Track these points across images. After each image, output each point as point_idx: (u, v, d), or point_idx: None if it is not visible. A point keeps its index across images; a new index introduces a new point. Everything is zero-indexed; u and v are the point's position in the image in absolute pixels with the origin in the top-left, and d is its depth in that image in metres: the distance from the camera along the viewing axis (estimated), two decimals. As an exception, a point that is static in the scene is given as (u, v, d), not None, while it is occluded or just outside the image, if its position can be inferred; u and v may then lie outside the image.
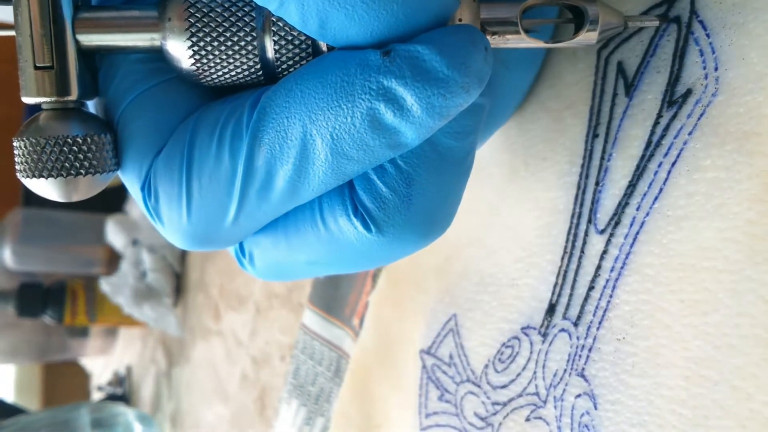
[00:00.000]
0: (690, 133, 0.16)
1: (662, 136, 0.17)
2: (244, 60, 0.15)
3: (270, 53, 0.15)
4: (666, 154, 0.17)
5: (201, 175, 0.15)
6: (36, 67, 0.15)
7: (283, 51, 0.15)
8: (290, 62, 0.15)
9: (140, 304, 0.63)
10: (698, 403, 0.15)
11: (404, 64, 0.13)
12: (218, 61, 0.15)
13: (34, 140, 0.15)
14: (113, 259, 0.72)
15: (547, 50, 0.20)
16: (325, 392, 0.32)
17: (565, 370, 0.19)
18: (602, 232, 0.18)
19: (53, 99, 0.15)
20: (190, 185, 0.15)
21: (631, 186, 0.18)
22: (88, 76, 0.16)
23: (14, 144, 0.15)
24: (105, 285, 0.66)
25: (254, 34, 0.15)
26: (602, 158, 0.19)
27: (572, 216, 0.20)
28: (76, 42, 0.15)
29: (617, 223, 0.18)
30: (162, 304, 0.63)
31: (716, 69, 0.16)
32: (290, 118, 0.14)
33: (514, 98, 0.19)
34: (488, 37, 0.16)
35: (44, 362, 1.05)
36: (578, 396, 0.18)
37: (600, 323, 0.18)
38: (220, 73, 0.16)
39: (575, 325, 0.19)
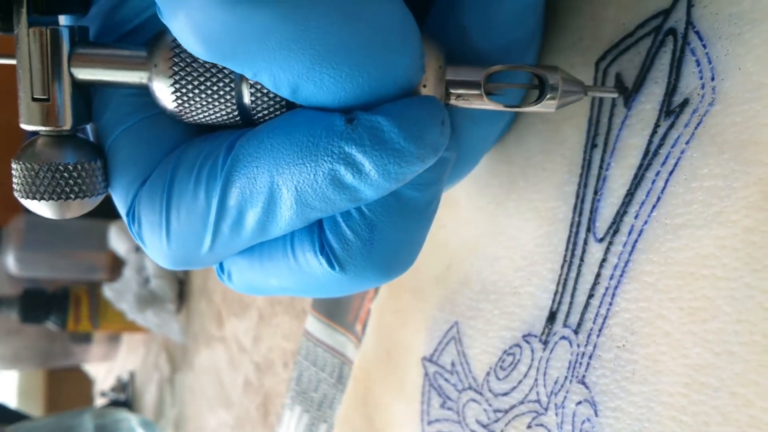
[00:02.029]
0: (687, 143, 0.17)
1: (660, 146, 0.17)
2: (223, 105, 0.16)
3: (247, 100, 0.16)
4: (664, 163, 0.17)
5: (179, 209, 0.16)
6: (33, 99, 0.16)
7: (259, 102, 0.16)
8: (265, 111, 0.16)
9: (143, 310, 0.63)
10: (698, 409, 0.15)
11: (365, 133, 0.15)
12: (199, 104, 0.16)
13: (29, 165, 0.16)
14: (116, 266, 0.72)
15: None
16: (328, 398, 0.33)
17: (566, 378, 0.19)
18: (601, 240, 0.19)
19: (49, 129, 0.16)
20: (170, 217, 0.16)
21: (630, 195, 0.18)
22: (82, 105, 0.17)
23: (12, 165, 0.17)
24: (108, 291, 0.66)
25: (232, 86, 0.16)
26: (601, 168, 0.19)
27: (571, 225, 0.20)
28: (71, 76, 0.16)
29: (616, 232, 0.18)
30: (165, 310, 0.63)
31: (713, 79, 0.16)
32: (259, 167, 0.15)
33: (482, 149, 0.20)
34: (452, 99, 0.16)
35: (47, 368, 1.05)
36: (579, 403, 0.19)
37: (600, 331, 0.18)
38: (200, 114, 0.17)
39: (576, 332, 0.19)
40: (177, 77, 0.16)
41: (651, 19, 0.18)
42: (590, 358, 0.18)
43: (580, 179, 0.20)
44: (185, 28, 0.14)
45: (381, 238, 0.16)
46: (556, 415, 0.19)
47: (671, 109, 0.17)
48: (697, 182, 0.16)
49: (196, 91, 0.16)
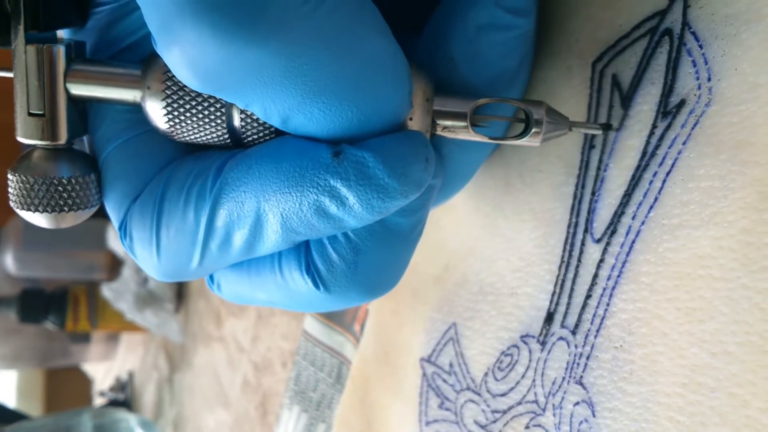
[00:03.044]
0: (684, 143, 0.17)
1: (657, 146, 0.17)
2: (214, 128, 0.17)
3: (237, 124, 0.16)
4: (661, 164, 0.17)
5: (169, 227, 0.17)
6: (29, 114, 0.16)
7: (249, 127, 0.17)
8: (255, 135, 0.17)
9: (142, 310, 0.63)
10: (695, 410, 0.15)
11: (350, 167, 0.15)
12: (190, 126, 0.17)
13: (25, 177, 0.17)
14: (115, 265, 0.72)
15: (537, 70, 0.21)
16: (326, 398, 0.33)
17: (564, 378, 0.19)
18: (599, 241, 0.19)
19: (45, 143, 0.17)
20: (160, 234, 0.17)
21: (627, 195, 0.18)
22: (77, 119, 0.17)
23: (8, 177, 0.17)
24: (107, 291, 0.66)
25: (223, 110, 0.16)
26: (599, 169, 0.19)
27: (569, 226, 0.20)
28: (67, 91, 0.17)
29: (613, 232, 0.18)
30: (164, 309, 0.63)
31: (709, 79, 0.16)
32: (247, 192, 0.16)
33: (468, 173, 0.20)
34: (439, 130, 0.17)
35: (46, 368, 1.05)
36: (577, 403, 0.19)
37: (597, 331, 0.18)
38: (191, 135, 0.17)
39: (573, 333, 0.19)
40: (169, 100, 0.16)
41: (647, 20, 0.18)
42: (588, 358, 0.18)
43: (578, 180, 0.20)
44: (179, 61, 0.14)
45: (365, 261, 0.17)
46: (554, 415, 0.19)
47: (668, 110, 0.17)
48: (694, 183, 0.16)
49: (188, 114, 0.16)
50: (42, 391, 1.16)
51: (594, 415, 0.18)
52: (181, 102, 0.16)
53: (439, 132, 0.17)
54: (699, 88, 0.16)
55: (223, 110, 0.16)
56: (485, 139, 0.17)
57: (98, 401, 0.88)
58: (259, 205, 0.15)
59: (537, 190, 0.21)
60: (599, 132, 0.18)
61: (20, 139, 0.17)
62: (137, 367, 0.79)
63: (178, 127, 0.17)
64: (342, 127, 0.15)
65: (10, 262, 0.73)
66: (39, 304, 0.72)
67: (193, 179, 0.16)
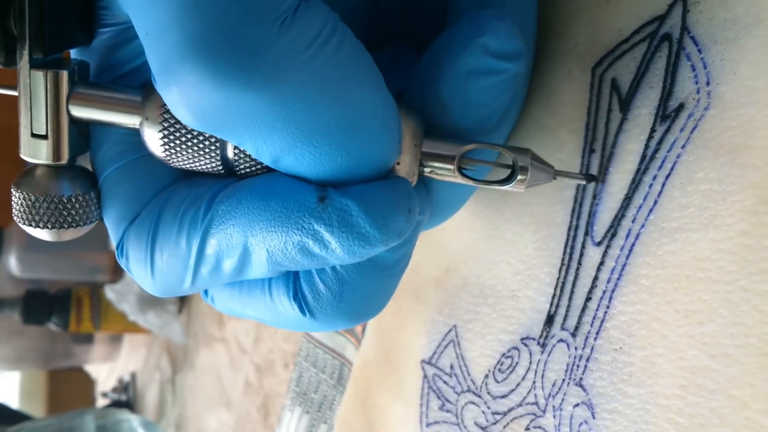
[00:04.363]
0: (683, 147, 0.17)
1: (656, 150, 0.17)
2: (208, 159, 0.17)
3: (231, 156, 0.17)
4: (660, 168, 0.17)
5: (163, 251, 0.17)
6: (32, 135, 0.17)
7: (242, 161, 0.17)
8: (248, 168, 0.17)
9: (145, 311, 0.63)
10: (695, 411, 0.15)
11: (334, 214, 0.16)
12: (185, 155, 0.17)
13: (27, 195, 0.17)
14: (118, 267, 0.73)
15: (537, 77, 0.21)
16: (327, 400, 0.33)
17: (564, 380, 0.19)
18: (599, 244, 0.19)
19: (47, 162, 0.17)
20: (154, 257, 0.18)
21: (627, 199, 0.18)
22: (79, 139, 0.18)
23: (12, 192, 0.18)
24: (110, 292, 0.66)
25: (218, 144, 0.17)
26: (599, 173, 0.19)
27: (569, 229, 0.20)
28: (69, 113, 0.17)
29: (614, 236, 0.18)
30: (166, 311, 0.63)
31: (708, 84, 0.16)
32: (235, 226, 0.16)
33: (456, 205, 0.20)
34: (426, 172, 0.17)
35: (49, 369, 1.06)
36: (576, 405, 0.19)
37: (597, 333, 0.18)
38: (186, 163, 0.17)
39: (573, 335, 0.19)
40: (166, 132, 0.17)
41: (646, 24, 0.18)
42: (588, 360, 0.18)
43: (578, 184, 0.20)
44: (177, 100, 0.15)
45: (350, 292, 0.17)
46: (554, 417, 0.19)
47: (667, 114, 0.17)
48: (693, 186, 0.16)
49: (184, 145, 0.17)
50: (45, 392, 1.16)
51: (594, 417, 0.18)
52: (177, 135, 0.17)
53: (426, 174, 0.18)
54: (698, 92, 0.16)
55: (217, 144, 0.17)
56: (471, 183, 0.17)
57: (101, 402, 0.88)
58: (246, 239, 0.16)
59: (537, 193, 0.21)
60: (583, 182, 0.19)
61: (24, 157, 0.17)
62: (140, 368, 0.79)
63: (173, 155, 0.17)
64: (331, 171, 0.16)
65: (13, 263, 0.73)
66: (42, 305, 0.72)
67: (187, 206, 0.17)
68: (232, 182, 0.17)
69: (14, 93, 0.17)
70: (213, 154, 0.17)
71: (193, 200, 0.17)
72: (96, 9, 0.17)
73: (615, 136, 0.19)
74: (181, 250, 0.17)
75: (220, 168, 0.17)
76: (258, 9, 0.14)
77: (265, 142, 0.15)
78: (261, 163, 0.17)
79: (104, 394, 0.85)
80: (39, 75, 0.16)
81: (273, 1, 0.14)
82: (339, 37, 0.15)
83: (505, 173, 0.18)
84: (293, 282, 0.18)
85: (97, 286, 0.74)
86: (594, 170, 0.19)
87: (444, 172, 0.17)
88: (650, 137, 0.18)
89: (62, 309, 0.72)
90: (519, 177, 0.17)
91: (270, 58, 0.14)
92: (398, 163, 0.17)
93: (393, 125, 0.16)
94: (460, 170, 0.17)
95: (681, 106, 0.17)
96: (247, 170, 0.17)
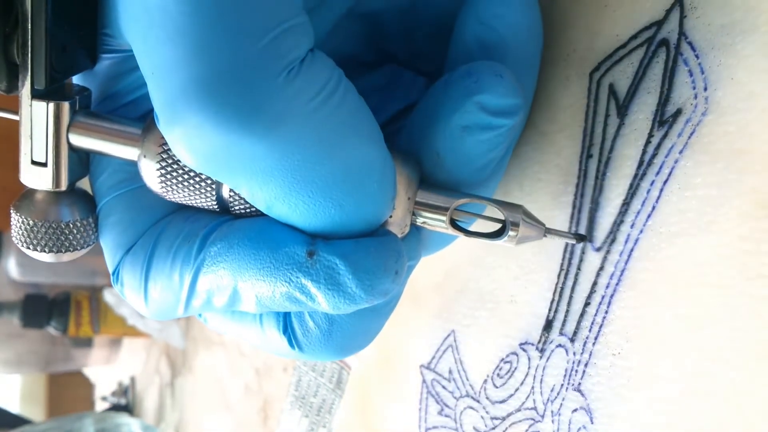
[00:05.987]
0: (681, 152, 0.17)
1: (654, 155, 0.17)
2: (203, 196, 0.17)
3: (226, 196, 0.17)
4: (658, 173, 0.17)
5: (156, 282, 0.18)
6: (33, 162, 0.17)
7: (236, 202, 0.17)
8: (242, 209, 0.17)
9: (144, 315, 0.63)
10: (693, 416, 0.15)
11: (322, 271, 0.16)
12: (181, 192, 0.17)
13: (26, 219, 0.17)
14: (117, 270, 0.72)
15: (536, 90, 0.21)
16: (326, 403, 0.33)
17: (562, 385, 0.19)
18: (599, 249, 0.19)
19: (47, 188, 0.17)
20: (147, 287, 0.18)
21: (626, 204, 0.18)
22: (78, 165, 0.18)
23: (11, 215, 0.18)
24: (109, 296, 0.66)
25: (213, 186, 0.17)
26: (597, 178, 0.19)
27: (568, 234, 0.20)
28: (69, 142, 0.17)
29: (613, 241, 0.18)
30: (165, 314, 0.63)
31: (705, 89, 0.16)
32: (226, 269, 0.17)
33: (445, 243, 0.21)
34: (419, 222, 0.18)
35: (49, 372, 1.05)
36: (575, 410, 0.19)
37: (596, 338, 0.18)
38: (182, 199, 0.18)
39: (572, 340, 0.19)
40: (164, 170, 0.17)
41: (644, 30, 0.18)
42: (586, 365, 0.18)
43: (576, 189, 0.20)
44: (178, 140, 0.15)
45: (339, 330, 0.18)
46: (553, 422, 0.19)
47: (664, 119, 0.17)
48: (691, 191, 0.16)
49: (180, 183, 0.17)
50: (44, 396, 1.16)
51: (592, 422, 0.18)
52: (174, 173, 0.17)
53: (418, 224, 0.18)
54: (695, 97, 0.16)
55: (213, 185, 0.17)
56: (462, 235, 0.18)
57: (100, 406, 0.88)
58: (236, 283, 0.16)
59: (536, 199, 0.21)
60: (573, 242, 0.19)
61: (24, 182, 0.17)
62: (139, 372, 0.79)
63: (170, 191, 0.17)
64: (323, 223, 0.16)
65: (13, 267, 0.73)
66: (42, 309, 0.72)
67: (181, 242, 0.17)
68: (226, 220, 0.17)
69: (15, 117, 0.17)
70: (209, 194, 0.17)
71: (186, 236, 0.17)
72: (100, 36, 0.17)
73: (612, 141, 0.19)
74: (173, 283, 0.17)
75: (215, 206, 0.18)
76: (266, 57, 0.14)
77: (261, 189, 0.15)
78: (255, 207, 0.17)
79: (103, 398, 0.85)
80: (41, 105, 0.16)
81: (282, 50, 0.14)
82: (343, 92, 0.15)
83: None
84: (283, 317, 0.18)
85: (97, 289, 0.74)
86: (591, 177, 0.19)
87: (436, 224, 0.17)
88: (648, 142, 0.18)
89: (61, 313, 0.72)
90: (510, 233, 0.17)
91: (274, 107, 0.14)
92: (391, 216, 0.17)
93: (389, 183, 0.16)
94: (452, 222, 0.17)
95: (678, 111, 0.17)
96: (242, 211, 0.17)
